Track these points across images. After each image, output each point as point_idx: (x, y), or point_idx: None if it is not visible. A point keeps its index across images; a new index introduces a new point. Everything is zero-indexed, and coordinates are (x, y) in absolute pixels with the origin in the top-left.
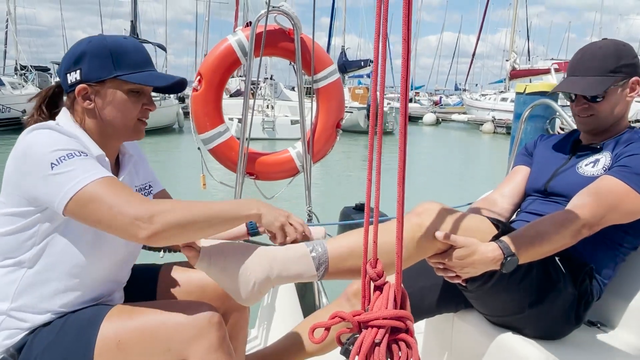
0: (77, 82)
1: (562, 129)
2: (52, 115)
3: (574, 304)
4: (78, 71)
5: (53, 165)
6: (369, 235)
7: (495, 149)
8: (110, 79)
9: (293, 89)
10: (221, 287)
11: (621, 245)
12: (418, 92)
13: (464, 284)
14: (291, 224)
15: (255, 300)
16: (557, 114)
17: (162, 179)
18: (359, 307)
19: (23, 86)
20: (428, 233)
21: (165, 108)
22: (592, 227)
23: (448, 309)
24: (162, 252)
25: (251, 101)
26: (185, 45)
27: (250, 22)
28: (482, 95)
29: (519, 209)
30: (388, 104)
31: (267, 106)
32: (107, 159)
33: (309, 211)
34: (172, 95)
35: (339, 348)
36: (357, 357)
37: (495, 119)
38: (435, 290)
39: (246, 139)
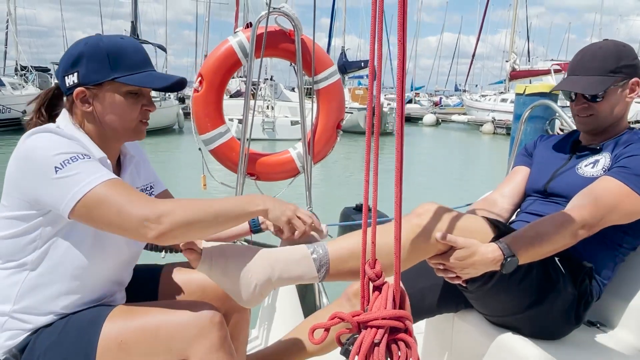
0: (75, 85)
1: (561, 129)
2: (51, 118)
3: (573, 304)
4: (75, 74)
5: (57, 169)
6: (368, 236)
7: (495, 150)
8: (107, 81)
9: (293, 89)
10: (222, 289)
11: (620, 245)
12: (418, 93)
13: (464, 285)
14: (299, 217)
15: (256, 302)
16: (557, 114)
17: (163, 179)
18: (359, 307)
19: (23, 87)
20: (428, 234)
21: (166, 109)
22: (591, 227)
23: (448, 309)
24: (163, 253)
25: (252, 102)
26: (185, 46)
27: (251, 23)
28: (482, 96)
29: (518, 210)
30: (388, 104)
31: (267, 107)
32: (108, 161)
33: (310, 212)
34: (172, 96)
35: (339, 348)
36: (356, 357)
37: (495, 120)
38: (436, 291)
39: (247, 139)
